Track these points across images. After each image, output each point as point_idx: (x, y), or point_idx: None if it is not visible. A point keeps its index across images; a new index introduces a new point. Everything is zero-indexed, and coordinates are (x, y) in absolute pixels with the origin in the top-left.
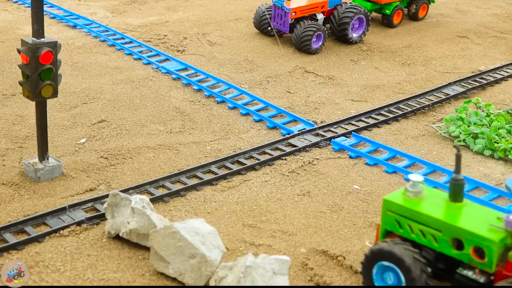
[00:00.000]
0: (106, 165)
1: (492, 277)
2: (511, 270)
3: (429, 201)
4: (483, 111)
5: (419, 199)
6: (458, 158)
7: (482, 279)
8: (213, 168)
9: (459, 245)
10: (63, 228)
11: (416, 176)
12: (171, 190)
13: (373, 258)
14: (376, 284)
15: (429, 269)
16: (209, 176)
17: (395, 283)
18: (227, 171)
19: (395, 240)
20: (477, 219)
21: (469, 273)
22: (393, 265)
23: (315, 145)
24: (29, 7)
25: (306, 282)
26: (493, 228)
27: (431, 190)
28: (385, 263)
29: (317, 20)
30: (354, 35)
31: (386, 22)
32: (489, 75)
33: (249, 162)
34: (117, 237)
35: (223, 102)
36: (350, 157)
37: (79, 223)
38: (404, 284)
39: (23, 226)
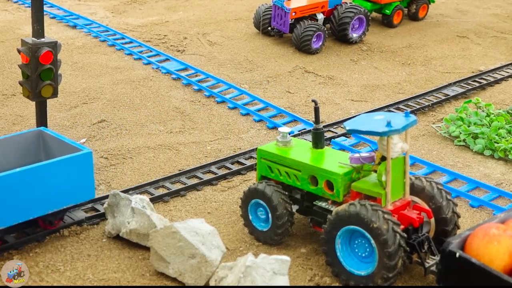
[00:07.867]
0: (106, 165)
1: None
2: (354, 198)
3: (295, 149)
4: (483, 111)
5: (287, 147)
6: (316, 110)
7: (333, 208)
8: (213, 168)
9: (315, 181)
10: (63, 228)
11: (284, 129)
12: (171, 190)
13: (249, 195)
14: (250, 217)
15: (296, 207)
16: (209, 176)
17: (265, 218)
18: (227, 171)
19: (268, 182)
20: (330, 160)
21: (323, 204)
22: (264, 203)
23: None
24: (29, 7)
25: (306, 282)
26: (341, 165)
27: (299, 140)
28: (258, 200)
29: (317, 20)
30: (354, 35)
31: (386, 22)
32: (489, 75)
33: (249, 162)
34: (117, 237)
35: (223, 102)
36: None
37: (79, 223)
38: (271, 219)
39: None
